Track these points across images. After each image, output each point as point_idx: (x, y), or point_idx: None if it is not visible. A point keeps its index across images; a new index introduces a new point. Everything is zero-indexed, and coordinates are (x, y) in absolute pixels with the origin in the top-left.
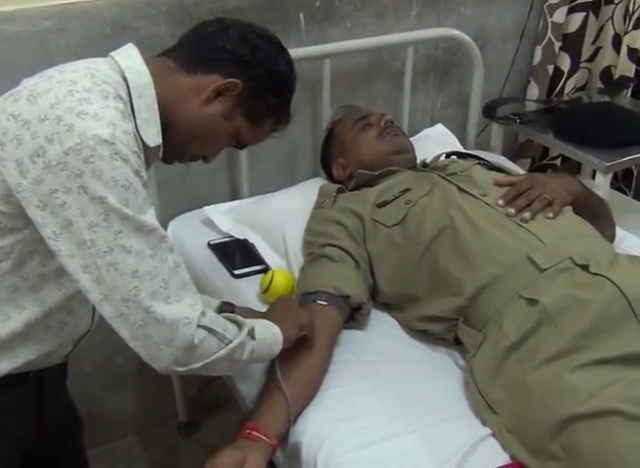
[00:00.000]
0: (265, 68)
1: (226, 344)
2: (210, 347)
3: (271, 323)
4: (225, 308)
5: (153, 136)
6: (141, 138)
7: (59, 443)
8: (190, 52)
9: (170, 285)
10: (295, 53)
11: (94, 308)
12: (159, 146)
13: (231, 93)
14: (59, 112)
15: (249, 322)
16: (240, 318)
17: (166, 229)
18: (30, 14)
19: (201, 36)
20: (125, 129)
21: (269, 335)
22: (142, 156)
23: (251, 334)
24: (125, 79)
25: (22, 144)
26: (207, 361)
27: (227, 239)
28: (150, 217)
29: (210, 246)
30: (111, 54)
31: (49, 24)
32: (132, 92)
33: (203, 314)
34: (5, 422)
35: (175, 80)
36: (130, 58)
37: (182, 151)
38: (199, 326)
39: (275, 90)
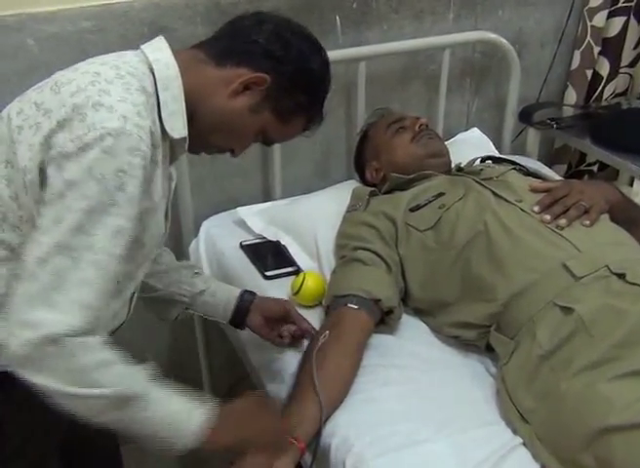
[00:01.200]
0: (297, 66)
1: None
2: (54, 369)
3: (203, 410)
4: (246, 297)
5: (179, 129)
6: (166, 131)
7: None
8: (223, 44)
9: (68, 294)
10: (330, 55)
11: (130, 301)
12: (185, 138)
13: (260, 87)
14: (77, 100)
15: (167, 394)
16: (156, 384)
17: (199, 229)
18: (71, 14)
19: (235, 29)
20: (138, 123)
21: (171, 419)
22: (166, 148)
23: (145, 400)
24: (152, 71)
25: (40, 130)
26: (42, 382)
27: (260, 240)
28: (127, 222)
29: (242, 247)
30: (142, 46)
31: (88, 25)
32: (158, 83)
33: (84, 336)
34: (41, 409)
35: (204, 71)
36: (158, 50)
37: (207, 142)
38: (67, 340)
39: (306, 88)
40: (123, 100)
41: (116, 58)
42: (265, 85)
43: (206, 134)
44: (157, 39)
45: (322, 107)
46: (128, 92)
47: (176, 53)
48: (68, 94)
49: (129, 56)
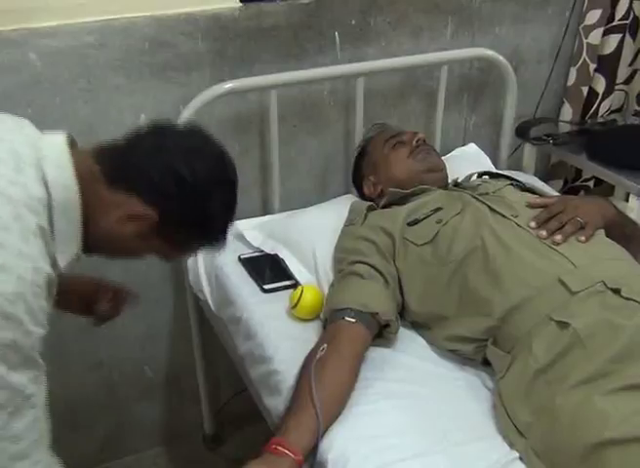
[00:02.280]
0: (188, 204)
1: None
2: None
3: None
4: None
5: (70, 254)
6: (57, 263)
7: None
8: (117, 163)
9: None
10: (329, 71)
11: None
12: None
13: (147, 221)
14: None
15: None
16: None
17: None
18: (72, 29)
19: (133, 150)
20: (35, 281)
21: None
22: (53, 275)
23: None
24: (49, 192)
25: None
26: None
27: (258, 254)
28: (19, 378)
29: (240, 260)
30: (43, 155)
31: (90, 40)
32: (54, 207)
33: None
34: None
35: (97, 191)
36: (59, 167)
37: (102, 254)
38: None
39: (197, 225)
40: (19, 256)
41: (11, 171)
42: (151, 220)
43: (100, 248)
44: (59, 144)
45: (222, 234)
46: (25, 241)
47: (74, 163)
48: None
49: (26, 169)
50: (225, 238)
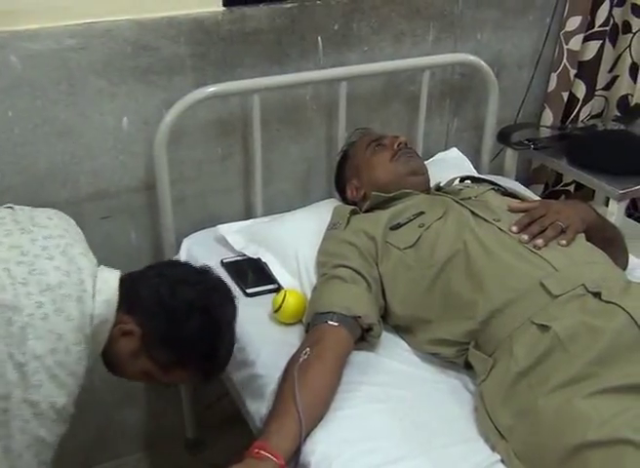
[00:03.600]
0: (165, 325)
1: None
2: None
3: None
4: None
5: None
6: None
7: None
8: (129, 288)
9: None
10: (312, 75)
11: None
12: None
13: (134, 338)
14: (38, 351)
15: None
16: None
17: (180, 247)
18: (54, 32)
19: (144, 273)
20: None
21: None
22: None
23: None
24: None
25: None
26: None
27: (240, 258)
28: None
29: (223, 264)
30: (98, 285)
31: (72, 43)
32: (94, 318)
33: None
34: None
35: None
36: (108, 304)
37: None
38: None
39: (176, 349)
40: (73, 375)
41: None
42: (136, 336)
43: (110, 365)
44: (112, 287)
45: (208, 366)
46: (79, 363)
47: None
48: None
49: (87, 299)
50: (212, 369)
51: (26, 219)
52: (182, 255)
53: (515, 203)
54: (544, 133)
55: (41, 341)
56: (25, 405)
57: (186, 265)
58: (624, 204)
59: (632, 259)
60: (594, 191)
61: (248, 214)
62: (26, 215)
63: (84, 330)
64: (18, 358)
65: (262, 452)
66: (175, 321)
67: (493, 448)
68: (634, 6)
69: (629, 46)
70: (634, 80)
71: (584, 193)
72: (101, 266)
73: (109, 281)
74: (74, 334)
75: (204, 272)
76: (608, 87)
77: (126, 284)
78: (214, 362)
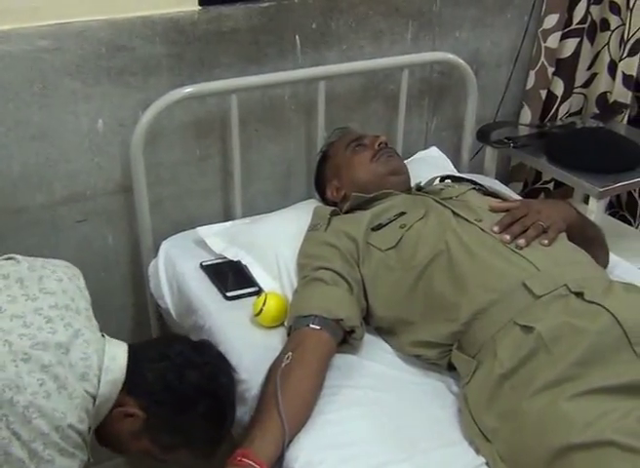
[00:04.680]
0: (172, 412)
1: None
2: None
3: None
4: None
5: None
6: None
7: None
8: (132, 366)
9: None
10: (290, 75)
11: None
12: None
13: (137, 421)
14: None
15: None
16: None
17: (158, 250)
18: (26, 33)
19: (142, 353)
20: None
21: None
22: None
23: None
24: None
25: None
26: None
27: (220, 260)
28: None
29: (202, 267)
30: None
31: (44, 44)
32: (97, 398)
33: None
34: None
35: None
36: (114, 385)
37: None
38: None
39: (180, 434)
40: (78, 447)
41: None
42: (140, 420)
43: (106, 441)
44: (120, 365)
45: (208, 445)
46: (82, 438)
47: None
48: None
49: (91, 375)
50: (213, 451)
51: (34, 282)
52: (161, 258)
53: (496, 202)
54: (523, 131)
55: (45, 419)
56: None
57: (186, 341)
58: (604, 202)
59: (613, 257)
60: (574, 189)
61: (227, 215)
62: (35, 276)
63: (86, 408)
64: (24, 437)
65: (245, 460)
66: (182, 408)
67: (477, 451)
68: (612, 3)
69: (608, 43)
70: (613, 77)
71: (564, 191)
72: (107, 338)
73: (117, 359)
74: (77, 413)
75: (206, 349)
76: (587, 84)
77: (129, 362)
78: (217, 443)
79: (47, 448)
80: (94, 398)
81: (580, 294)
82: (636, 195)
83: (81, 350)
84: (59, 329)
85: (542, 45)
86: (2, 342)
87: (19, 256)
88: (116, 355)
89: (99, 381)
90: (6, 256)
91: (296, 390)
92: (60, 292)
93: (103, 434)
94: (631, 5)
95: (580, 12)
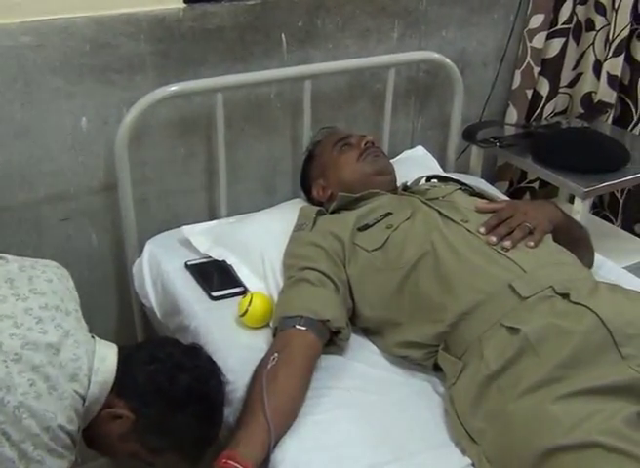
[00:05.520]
0: (161, 414)
1: None
2: None
3: None
4: None
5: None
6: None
7: None
8: (122, 368)
9: None
10: (276, 73)
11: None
12: None
13: (126, 423)
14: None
15: None
16: None
17: (143, 249)
18: (8, 29)
19: (134, 359)
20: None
21: None
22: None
23: None
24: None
25: None
26: None
27: (205, 260)
28: None
29: (187, 267)
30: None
31: (27, 40)
32: (87, 399)
33: None
34: None
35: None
36: (103, 387)
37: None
38: None
39: (169, 437)
40: (67, 447)
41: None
42: (129, 422)
43: (94, 442)
44: (110, 367)
45: (197, 449)
46: (71, 439)
47: None
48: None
49: (81, 377)
50: (201, 454)
51: (24, 283)
52: (145, 258)
53: (483, 203)
54: (509, 130)
55: (36, 420)
56: None
57: (177, 345)
58: (589, 202)
59: (597, 257)
60: (559, 188)
61: (212, 214)
62: (25, 277)
63: (76, 409)
64: (14, 437)
65: (231, 462)
66: (172, 410)
67: (463, 453)
68: (598, 3)
69: (593, 43)
70: (598, 77)
71: (549, 190)
72: (96, 339)
73: (107, 360)
74: (67, 413)
75: (196, 352)
76: (572, 84)
77: (119, 364)
78: (205, 447)
79: (37, 448)
80: (83, 399)
81: (565, 296)
82: (618, 194)
83: (71, 351)
84: (49, 329)
85: (528, 45)
86: None
87: (8, 256)
88: (106, 356)
89: (89, 382)
90: None
91: (282, 391)
92: (50, 293)
93: (92, 436)
94: (616, 5)
95: (565, 12)
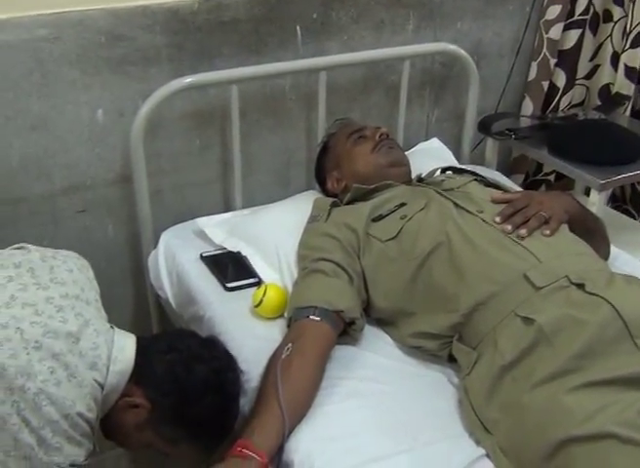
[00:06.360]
0: (178, 405)
1: None
2: None
3: None
4: None
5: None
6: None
7: None
8: (141, 358)
9: None
10: (291, 65)
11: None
12: None
13: (142, 412)
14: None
15: None
16: None
17: (158, 241)
18: (25, 22)
19: (152, 349)
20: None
21: None
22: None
23: None
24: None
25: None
26: None
27: (220, 251)
28: None
29: (202, 258)
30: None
31: (44, 33)
32: (105, 388)
33: None
34: None
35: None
36: (121, 375)
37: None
38: None
39: (185, 427)
40: (85, 435)
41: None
42: (145, 412)
43: (110, 431)
44: (129, 355)
45: (215, 439)
46: (89, 427)
47: None
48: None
49: (100, 365)
50: (216, 445)
51: (45, 272)
52: (161, 249)
53: (498, 194)
54: (525, 122)
55: (55, 407)
56: (49, 466)
57: (194, 336)
58: (605, 194)
59: (613, 249)
60: (575, 181)
61: (227, 206)
62: (46, 266)
63: (95, 397)
64: (33, 423)
65: (245, 451)
66: (188, 401)
67: (477, 443)
68: None
69: (610, 35)
70: (615, 69)
71: (565, 183)
72: (115, 329)
73: (126, 350)
74: (86, 401)
75: (213, 345)
76: (589, 76)
77: (137, 354)
78: (221, 437)
79: (55, 435)
80: (102, 387)
81: (581, 286)
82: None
83: (91, 340)
84: (69, 318)
85: (545, 36)
86: (14, 330)
87: (30, 246)
88: (125, 346)
89: (107, 371)
90: (17, 246)
91: (296, 381)
92: (70, 283)
93: (109, 425)
94: None
95: (582, 3)
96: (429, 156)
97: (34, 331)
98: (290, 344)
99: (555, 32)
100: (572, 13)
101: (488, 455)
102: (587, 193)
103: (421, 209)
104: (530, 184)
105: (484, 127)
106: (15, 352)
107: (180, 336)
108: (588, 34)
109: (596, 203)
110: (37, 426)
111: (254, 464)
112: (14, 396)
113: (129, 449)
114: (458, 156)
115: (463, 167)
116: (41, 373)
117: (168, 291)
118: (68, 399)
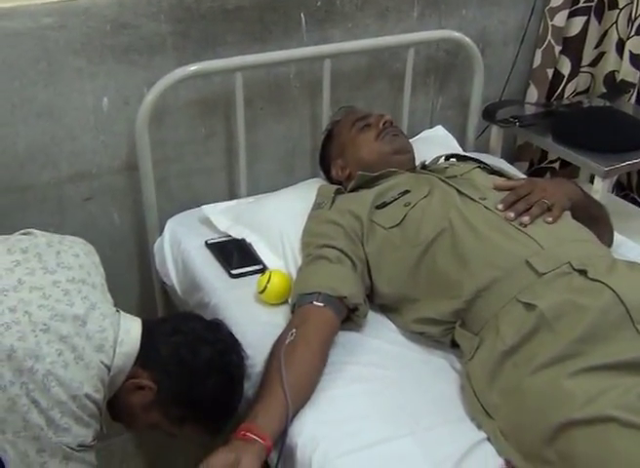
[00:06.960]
0: (183, 385)
1: None
2: None
3: None
4: None
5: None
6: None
7: None
8: (146, 340)
9: None
10: (295, 53)
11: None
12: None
13: (148, 393)
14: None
15: None
16: None
17: (163, 228)
18: (30, 10)
19: (157, 331)
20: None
21: None
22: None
23: None
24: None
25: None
26: None
27: (225, 238)
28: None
29: (207, 245)
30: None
31: (49, 21)
32: (112, 370)
33: None
34: None
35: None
36: (127, 356)
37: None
38: None
39: (189, 407)
40: (93, 416)
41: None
42: (151, 393)
43: (118, 413)
44: (135, 338)
45: (220, 420)
46: (97, 408)
47: None
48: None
49: (107, 348)
50: (221, 426)
51: (52, 257)
52: (166, 237)
53: (501, 181)
54: (530, 110)
55: (63, 388)
56: (57, 446)
57: (199, 319)
58: (609, 181)
59: (617, 236)
60: (579, 168)
61: (232, 194)
62: (53, 251)
63: (102, 378)
64: (42, 404)
65: (249, 434)
66: (193, 381)
67: (479, 427)
68: None
69: (616, 22)
70: (621, 56)
71: (570, 170)
72: (121, 312)
73: (132, 332)
74: (93, 383)
75: (218, 327)
76: (594, 63)
77: (143, 336)
78: (225, 418)
79: (64, 416)
80: (109, 369)
81: (583, 272)
82: None
83: (97, 323)
84: (76, 301)
85: (549, 23)
86: (22, 313)
87: (37, 231)
88: (131, 328)
89: (114, 353)
90: (24, 231)
91: (300, 366)
92: (76, 267)
93: (116, 407)
94: None
95: None
96: (434, 144)
97: (42, 314)
98: (294, 330)
99: (560, 19)
100: (577, 0)
101: (489, 439)
102: (592, 181)
103: (425, 196)
104: (534, 172)
105: (488, 114)
106: (23, 334)
107: (185, 319)
108: (593, 21)
109: (600, 190)
110: (46, 407)
111: (257, 447)
112: (23, 377)
113: (136, 431)
114: (462, 144)
115: (467, 154)
116: (49, 355)
117: (173, 277)
118: (76, 380)
